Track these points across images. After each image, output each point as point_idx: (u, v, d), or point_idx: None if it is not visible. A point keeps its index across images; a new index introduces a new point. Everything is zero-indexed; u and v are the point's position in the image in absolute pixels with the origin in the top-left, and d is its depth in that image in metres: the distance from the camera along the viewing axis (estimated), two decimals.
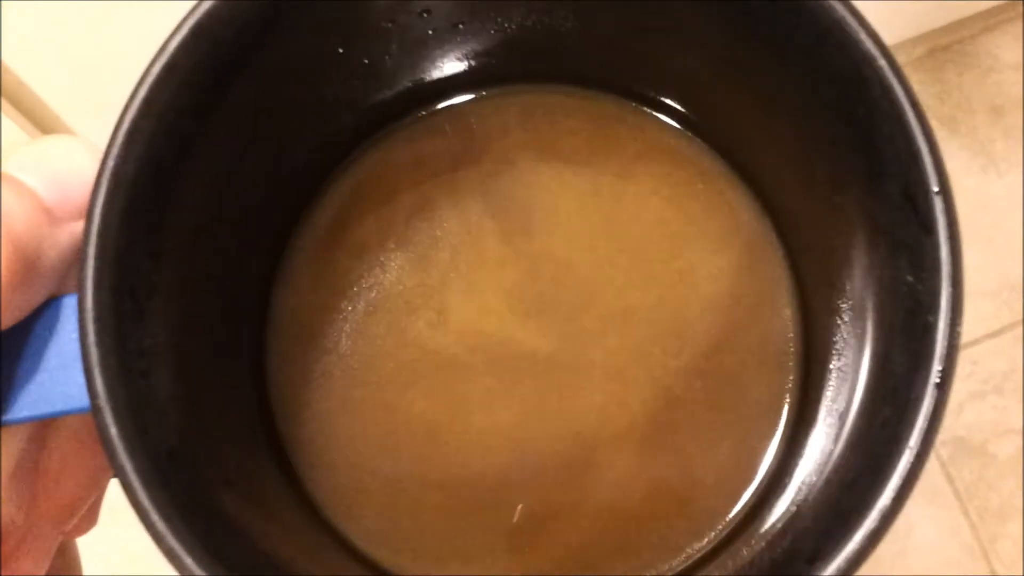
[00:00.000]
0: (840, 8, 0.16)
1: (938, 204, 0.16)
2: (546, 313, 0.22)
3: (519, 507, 0.21)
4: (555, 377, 0.22)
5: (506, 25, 0.21)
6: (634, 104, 0.23)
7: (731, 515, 0.21)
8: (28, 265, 0.16)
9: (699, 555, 0.21)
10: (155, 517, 0.16)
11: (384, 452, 0.21)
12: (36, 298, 0.17)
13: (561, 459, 0.21)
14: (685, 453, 0.21)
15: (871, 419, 0.17)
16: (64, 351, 0.17)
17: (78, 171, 0.17)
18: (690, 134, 0.23)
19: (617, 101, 0.23)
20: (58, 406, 0.17)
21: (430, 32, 0.21)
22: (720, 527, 0.21)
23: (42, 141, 0.18)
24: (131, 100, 0.17)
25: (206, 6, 0.17)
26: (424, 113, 0.23)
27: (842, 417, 0.18)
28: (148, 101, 0.17)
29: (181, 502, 0.16)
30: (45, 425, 0.19)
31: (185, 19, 0.17)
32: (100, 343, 0.16)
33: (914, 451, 0.15)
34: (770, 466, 0.21)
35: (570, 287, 0.22)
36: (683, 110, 0.23)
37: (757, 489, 0.21)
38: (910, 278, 0.16)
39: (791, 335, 0.22)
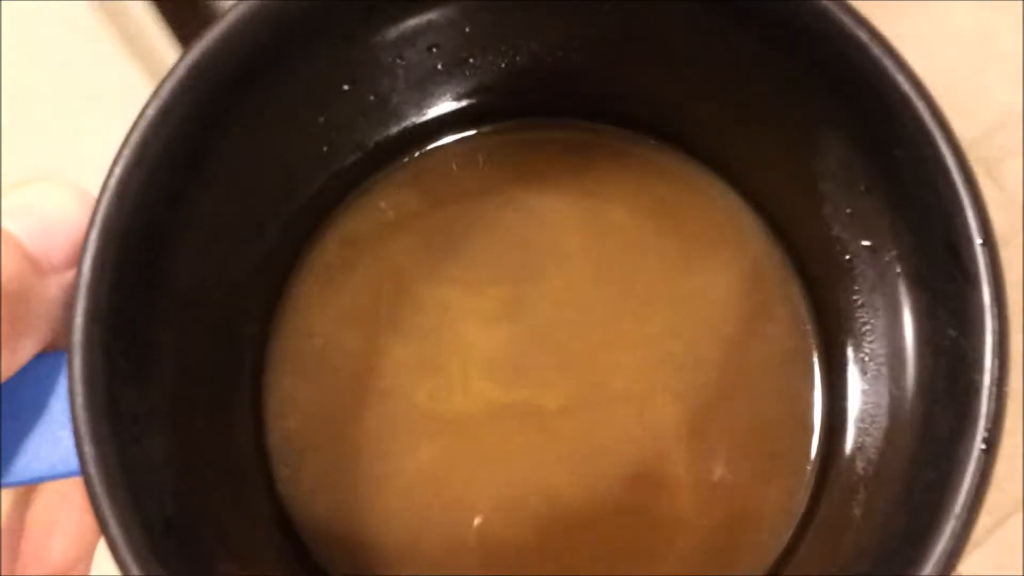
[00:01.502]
0: (877, 49, 0.15)
1: (982, 255, 0.15)
2: (557, 359, 0.21)
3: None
4: (573, 424, 0.21)
5: (516, 58, 0.20)
6: (645, 136, 0.22)
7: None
8: (13, 319, 0.15)
9: None
10: None
11: (393, 517, 0.20)
12: (22, 355, 0.16)
13: (592, 509, 0.20)
14: (684, 522, 0.20)
15: (912, 484, 0.16)
16: (53, 413, 0.16)
17: (67, 219, 0.16)
18: (703, 167, 0.22)
19: (626, 133, 0.22)
20: (46, 472, 0.16)
21: (439, 67, 0.20)
22: None
23: (27, 187, 0.17)
24: (122, 147, 0.16)
25: (202, 45, 0.16)
26: (428, 148, 0.22)
27: (879, 483, 0.17)
28: (141, 147, 0.16)
29: (177, 574, 0.15)
30: (31, 487, 0.18)
31: (180, 60, 0.16)
32: (90, 406, 0.15)
33: (961, 519, 0.14)
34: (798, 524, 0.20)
35: (580, 330, 0.21)
36: (696, 144, 0.22)
37: (788, 547, 0.20)
38: (953, 333, 0.15)
39: (814, 391, 0.21)
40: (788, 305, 0.21)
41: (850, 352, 0.20)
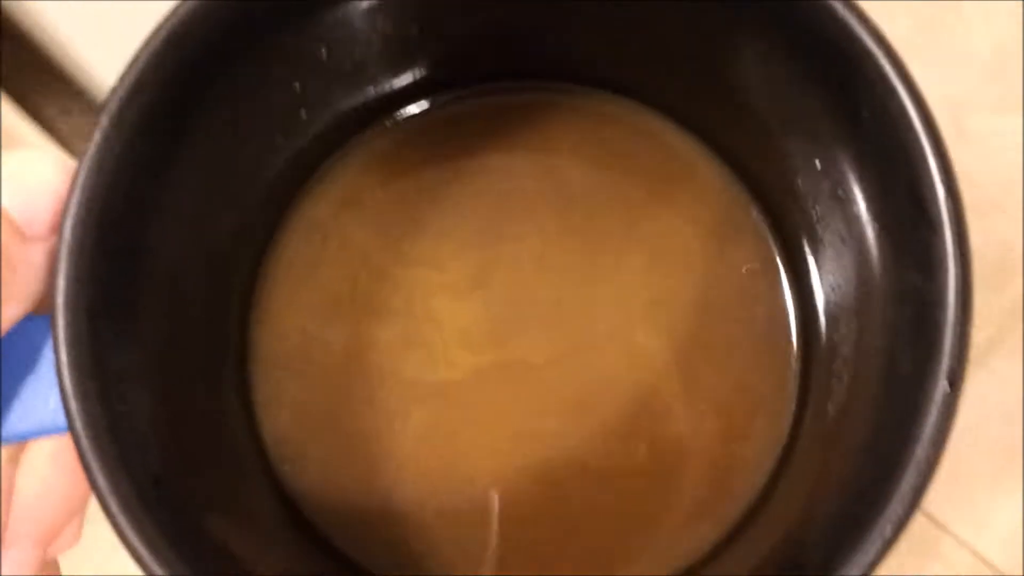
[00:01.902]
0: (840, 6, 0.16)
1: (945, 203, 0.15)
2: (536, 315, 0.21)
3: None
4: (561, 373, 0.21)
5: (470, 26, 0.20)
6: (603, 91, 0.22)
7: (734, 518, 0.20)
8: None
9: (702, 555, 0.21)
10: (140, 546, 0.15)
11: (381, 471, 0.21)
12: (9, 318, 0.16)
13: (571, 459, 0.21)
14: (684, 446, 0.21)
15: (879, 424, 0.16)
16: (40, 373, 0.17)
17: (48, 186, 0.17)
18: (666, 119, 0.22)
19: (583, 90, 0.22)
20: (34, 429, 0.17)
21: (409, 36, 0.20)
22: (723, 529, 0.20)
23: (8, 155, 0.17)
24: (100, 114, 0.16)
25: (177, 16, 0.16)
26: (399, 117, 0.22)
27: (848, 422, 0.18)
28: (118, 114, 0.16)
29: (167, 529, 0.15)
30: (21, 446, 0.18)
31: (156, 30, 0.16)
32: (76, 366, 0.15)
33: (926, 453, 0.15)
34: (772, 470, 0.20)
35: (554, 282, 0.22)
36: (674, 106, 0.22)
37: (761, 490, 0.20)
38: (918, 279, 0.16)
39: (790, 333, 0.21)
40: (754, 239, 0.22)
41: (819, 299, 0.20)
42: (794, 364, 0.21)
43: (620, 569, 0.21)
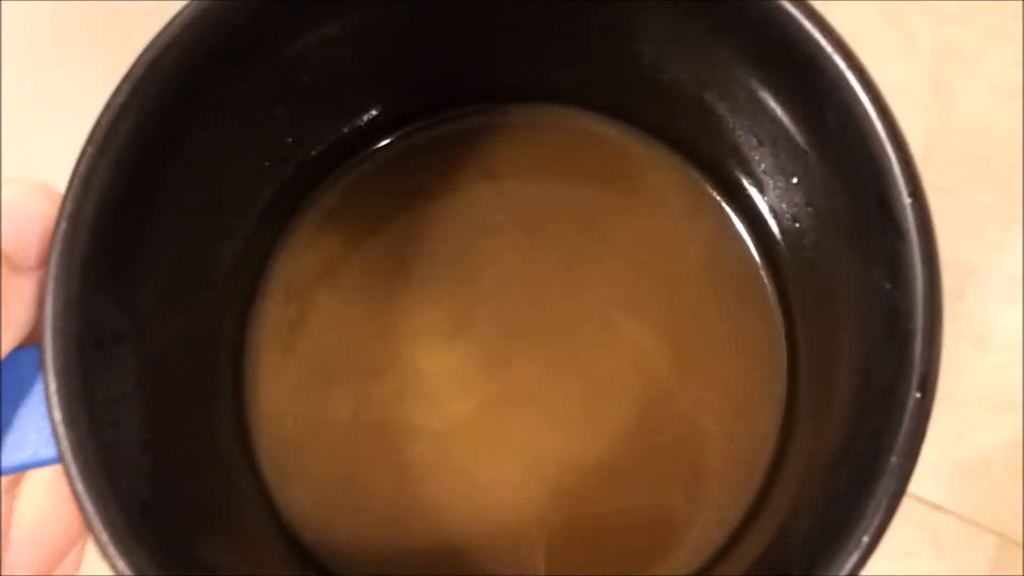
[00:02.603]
0: (796, 10, 0.16)
1: (912, 210, 0.16)
2: (529, 339, 0.22)
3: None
4: (556, 398, 0.21)
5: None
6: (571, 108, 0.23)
7: (739, 516, 0.21)
8: None
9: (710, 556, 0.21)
10: (128, 572, 0.15)
11: (375, 493, 0.21)
12: (1, 350, 0.17)
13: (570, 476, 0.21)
14: (690, 436, 0.21)
15: (856, 431, 0.16)
16: (34, 404, 0.17)
17: (38, 217, 0.17)
18: (665, 147, 0.23)
19: (614, 123, 0.23)
20: (30, 460, 0.17)
21: (411, 47, 0.20)
22: (709, 548, 0.20)
23: None
24: (87, 142, 0.16)
25: (160, 43, 0.17)
26: (388, 142, 0.23)
27: (825, 429, 0.18)
28: (104, 141, 0.16)
29: (156, 555, 0.16)
30: (17, 478, 0.18)
31: (140, 57, 0.16)
32: (65, 395, 0.16)
33: (900, 460, 0.15)
34: (756, 483, 0.20)
35: (545, 305, 0.22)
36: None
37: (749, 503, 0.20)
38: (887, 285, 0.16)
39: (773, 342, 0.21)
40: (738, 254, 0.22)
41: (801, 305, 0.21)
42: (781, 338, 0.21)
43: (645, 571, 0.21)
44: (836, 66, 0.16)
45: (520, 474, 0.21)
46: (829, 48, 0.16)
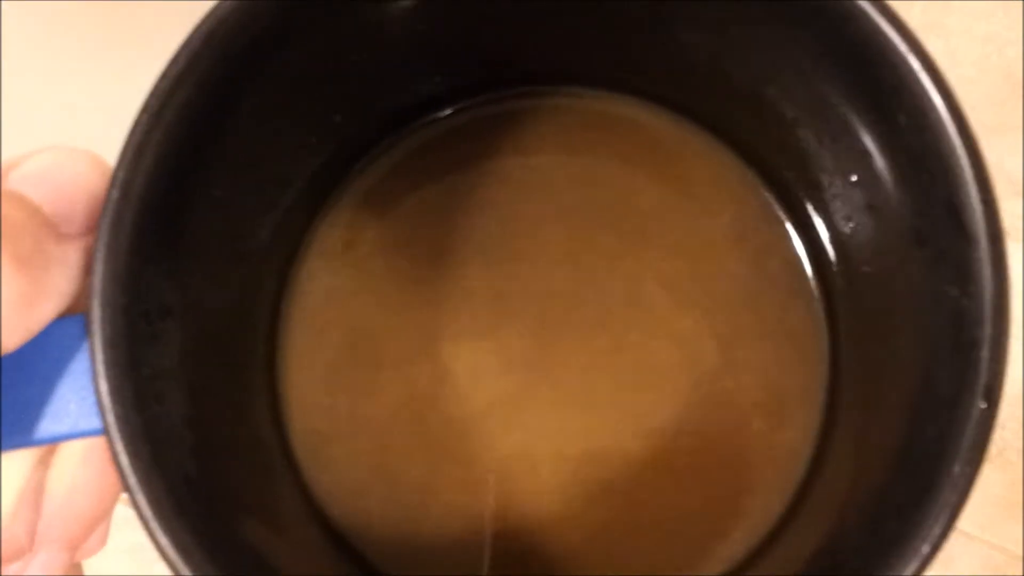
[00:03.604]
0: (878, 17, 0.16)
1: (982, 215, 0.15)
2: (577, 330, 0.21)
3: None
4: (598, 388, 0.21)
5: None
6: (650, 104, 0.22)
7: (776, 513, 0.20)
8: (33, 283, 0.16)
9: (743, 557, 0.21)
10: (170, 547, 0.15)
11: (407, 479, 0.21)
12: (43, 318, 0.16)
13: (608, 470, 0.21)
14: (733, 436, 0.21)
15: (914, 435, 0.16)
16: (75, 374, 0.17)
17: (84, 184, 0.16)
18: (714, 139, 0.22)
19: (664, 113, 0.22)
20: (68, 431, 0.17)
21: (448, 31, 0.20)
22: (757, 541, 0.20)
23: (44, 152, 0.17)
24: (141, 111, 0.16)
25: (216, 13, 0.16)
26: (432, 121, 0.23)
27: (881, 426, 0.18)
28: (158, 112, 0.16)
29: (199, 532, 0.15)
30: (51, 448, 0.18)
31: (196, 28, 0.16)
32: (112, 367, 0.15)
33: (963, 470, 0.15)
34: (800, 484, 0.20)
35: (595, 295, 0.22)
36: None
37: (799, 487, 0.20)
38: (954, 291, 0.16)
39: (820, 346, 0.21)
40: (785, 251, 0.22)
41: (847, 305, 0.20)
42: (824, 333, 0.21)
43: (686, 569, 0.21)
44: (909, 65, 0.16)
45: (558, 466, 0.21)
46: (903, 47, 0.16)
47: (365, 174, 0.22)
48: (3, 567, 0.17)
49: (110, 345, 0.15)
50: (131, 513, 0.16)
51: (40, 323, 0.16)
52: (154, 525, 0.15)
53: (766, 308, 0.21)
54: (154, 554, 0.16)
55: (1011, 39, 0.67)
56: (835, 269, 0.21)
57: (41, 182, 0.16)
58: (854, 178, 0.19)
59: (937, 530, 0.15)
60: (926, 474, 0.15)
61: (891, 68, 0.16)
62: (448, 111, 0.22)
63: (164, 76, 0.16)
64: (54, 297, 0.16)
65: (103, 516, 0.19)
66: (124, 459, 0.15)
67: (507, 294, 0.21)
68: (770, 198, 0.22)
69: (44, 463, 0.18)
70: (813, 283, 0.21)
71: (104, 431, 0.15)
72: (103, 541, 0.20)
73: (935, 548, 0.15)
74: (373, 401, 0.21)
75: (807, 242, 0.21)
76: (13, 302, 0.15)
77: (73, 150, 0.17)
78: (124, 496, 0.16)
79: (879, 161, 0.17)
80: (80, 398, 0.17)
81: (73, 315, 0.17)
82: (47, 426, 0.17)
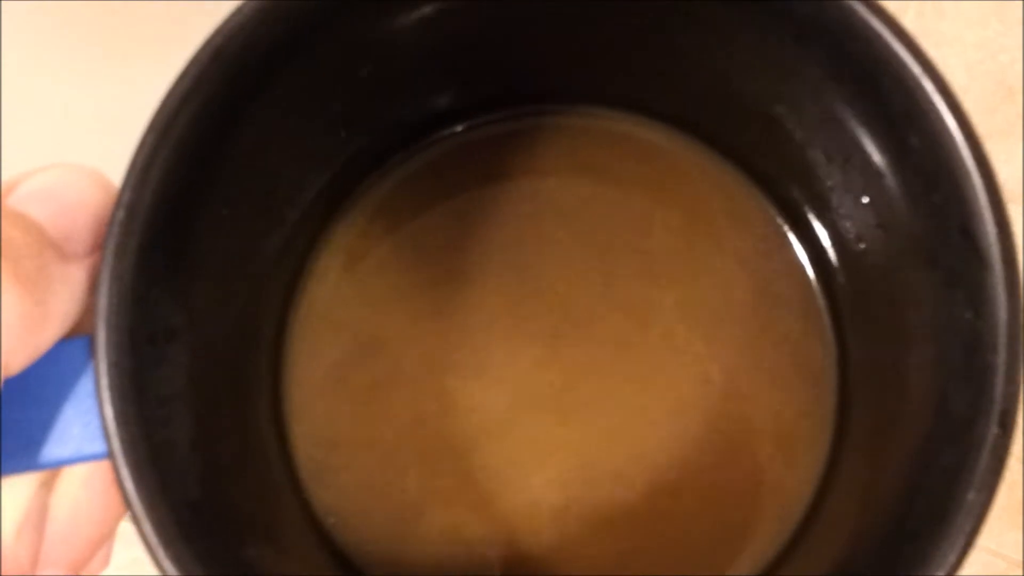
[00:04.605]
0: (891, 38, 0.16)
1: (996, 239, 0.15)
2: (570, 344, 0.21)
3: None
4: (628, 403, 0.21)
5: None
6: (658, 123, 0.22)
7: (784, 536, 0.20)
8: (37, 304, 0.15)
9: None
10: (176, 573, 0.15)
11: (412, 499, 0.21)
12: (47, 339, 0.16)
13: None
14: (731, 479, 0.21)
15: (928, 461, 0.16)
16: (79, 397, 0.16)
17: (88, 203, 0.16)
18: (724, 158, 0.22)
19: (674, 132, 0.22)
20: (72, 455, 0.16)
21: (445, 56, 0.20)
22: (766, 566, 0.20)
23: (47, 170, 0.17)
24: (146, 131, 0.16)
25: (224, 31, 0.16)
26: (441, 138, 0.22)
27: (887, 456, 0.17)
28: (164, 131, 0.16)
29: (205, 557, 0.15)
30: (55, 471, 0.18)
31: (204, 44, 0.16)
32: (117, 391, 0.15)
33: (978, 497, 0.15)
34: (807, 506, 0.20)
35: (591, 313, 0.21)
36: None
37: (799, 526, 0.20)
38: (968, 315, 0.16)
39: (829, 370, 0.21)
40: (795, 272, 0.22)
41: (857, 328, 0.20)
42: (833, 380, 0.21)
43: None
44: (923, 88, 0.16)
45: (563, 491, 0.21)
46: (917, 69, 0.16)
47: (374, 190, 0.22)
48: None
49: (115, 369, 0.15)
50: (132, 528, 0.15)
51: (44, 345, 0.16)
52: (160, 553, 0.15)
53: (776, 331, 0.21)
54: (153, 569, 0.15)
55: (1004, 45, 0.67)
56: (846, 291, 0.21)
57: (44, 201, 0.16)
58: (865, 199, 0.19)
59: (952, 557, 0.15)
60: (940, 501, 0.15)
61: (904, 90, 0.16)
62: (458, 128, 0.22)
63: (170, 94, 0.16)
64: (58, 318, 0.16)
65: (106, 538, 0.19)
66: (129, 484, 0.15)
67: (516, 315, 0.21)
68: (780, 218, 0.22)
69: (47, 486, 0.18)
70: (823, 305, 0.21)
71: (109, 456, 0.15)
72: (106, 562, 0.20)
73: (951, 572, 0.15)
74: (379, 421, 0.21)
75: (816, 263, 0.21)
76: (16, 324, 0.15)
77: (76, 168, 0.17)
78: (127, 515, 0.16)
79: (891, 181, 0.17)
80: (84, 422, 0.16)
81: (77, 336, 0.16)
82: (50, 450, 0.16)
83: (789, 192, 0.21)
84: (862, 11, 0.16)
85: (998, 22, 0.66)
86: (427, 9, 0.18)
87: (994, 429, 0.15)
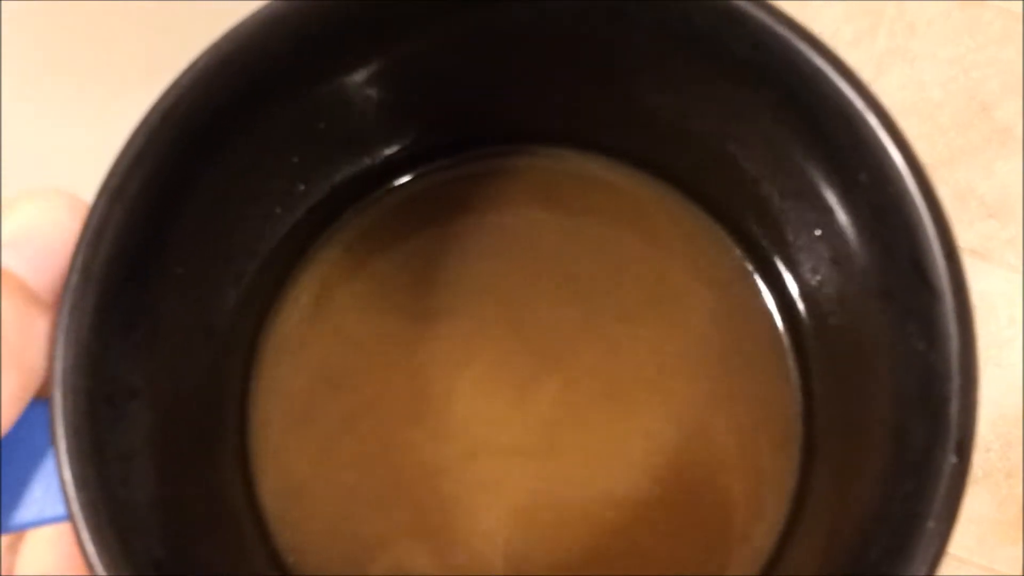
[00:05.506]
0: (833, 74, 0.16)
1: (946, 271, 0.15)
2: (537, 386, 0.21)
3: None
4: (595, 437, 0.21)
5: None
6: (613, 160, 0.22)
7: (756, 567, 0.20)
8: (23, 374, 0.15)
9: None
10: None
11: (381, 542, 0.21)
12: (24, 404, 0.16)
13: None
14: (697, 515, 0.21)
15: (892, 492, 0.16)
16: (40, 460, 0.16)
17: (68, 241, 0.16)
18: (685, 196, 0.22)
19: (633, 171, 0.22)
20: (35, 518, 0.16)
21: (405, 104, 0.20)
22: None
23: (17, 206, 0.16)
24: (99, 192, 0.16)
25: (175, 91, 0.16)
26: (388, 188, 0.22)
27: (853, 489, 0.18)
28: (117, 191, 0.16)
29: None
30: (18, 536, 0.18)
31: (154, 105, 0.16)
32: (75, 454, 0.15)
33: (938, 526, 0.15)
34: (776, 542, 0.20)
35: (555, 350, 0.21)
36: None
37: (768, 563, 0.20)
38: (921, 346, 0.16)
39: (794, 405, 0.21)
40: (757, 307, 0.22)
41: (819, 362, 0.20)
42: (798, 392, 0.21)
43: None
44: (869, 125, 0.16)
45: (536, 522, 0.21)
46: (860, 104, 0.16)
47: (339, 233, 0.22)
48: None
49: (73, 432, 0.15)
50: None
51: (21, 410, 0.16)
52: None
53: (744, 371, 0.21)
54: None
55: (976, 61, 0.68)
56: (806, 324, 0.21)
57: (23, 246, 0.15)
58: (818, 232, 0.19)
59: None
60: (902, 530, 0.15)
61: (849, 126, 0.16)
62: (421, 170, 0.22)
63: (122, 156, 0.16)
64: (33, 377, 0.16)
65: None
66: (91, 548, 0.15)
67: (485, 350, 0.21)
68: (740, 254, 0.22)
69: (13, 549, 0.18)
70: (788, 344, 0.21)
71: (69, 519, 0.15)
72: None
73: None
74: (348, 467, 0.21)
75: (778, 297, 0.21)
76: (7, 402, 0.15)
77: (57, 199, 0.16)
78: None
79: (841, 217, 0.17)
80: (46, 484, 0.16)
81: (36, 400, 0.16)
82: (12, 514, 0.16)
83: (749, 227, 0.21)
84: (804, 48, 0.16)
85: (970, 39, 0.66)
86: (376, 66, 0.18)
87: (951, 458, 0.15)
